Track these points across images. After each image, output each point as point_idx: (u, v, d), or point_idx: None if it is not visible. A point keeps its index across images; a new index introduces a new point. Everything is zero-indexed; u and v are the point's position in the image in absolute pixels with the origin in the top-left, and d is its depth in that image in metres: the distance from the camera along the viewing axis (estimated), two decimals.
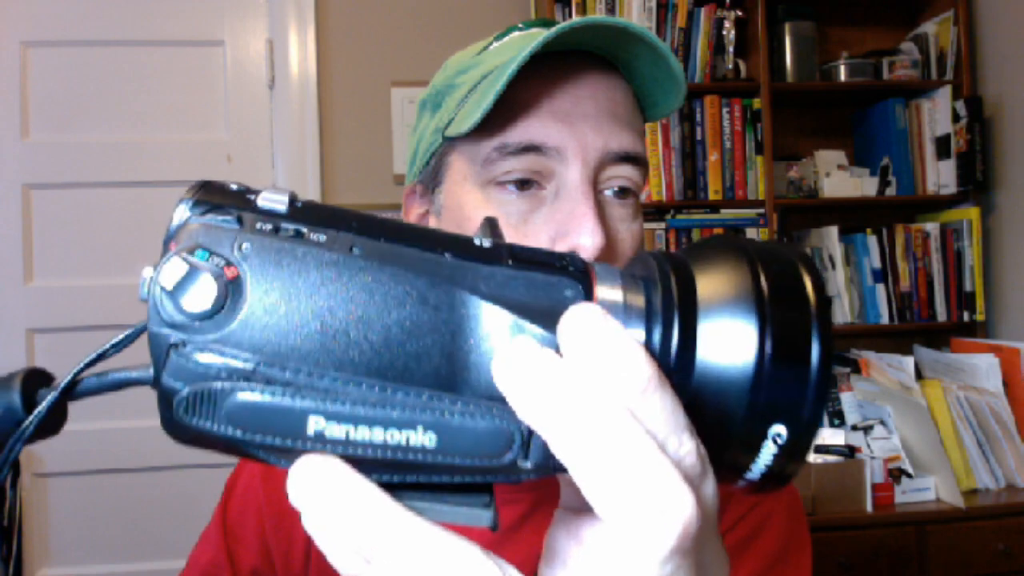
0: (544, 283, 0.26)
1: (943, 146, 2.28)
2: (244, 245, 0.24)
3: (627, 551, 0.24)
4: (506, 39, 0.64)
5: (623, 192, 0.61)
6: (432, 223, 0.65)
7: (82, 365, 0.26)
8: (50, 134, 2.14)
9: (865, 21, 2.44)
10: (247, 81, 2.21)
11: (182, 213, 0.25)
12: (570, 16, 2.14)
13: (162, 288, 0.23)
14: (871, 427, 2.01)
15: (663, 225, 2.16)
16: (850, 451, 1.88)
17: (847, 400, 2.14)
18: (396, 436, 0.24)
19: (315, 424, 0.24)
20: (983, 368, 2.07)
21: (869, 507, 1.86)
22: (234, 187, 0.26)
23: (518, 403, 0.24)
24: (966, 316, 2.27)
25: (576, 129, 0.58)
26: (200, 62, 2.20)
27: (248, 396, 0.23)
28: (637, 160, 0.61)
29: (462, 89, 0.62)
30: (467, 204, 0.61)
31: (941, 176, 2.29)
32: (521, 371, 0.24)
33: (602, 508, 0.24)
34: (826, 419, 2.15)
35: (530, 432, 0.25)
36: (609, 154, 0.59)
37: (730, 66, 2.21)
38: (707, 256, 0.27)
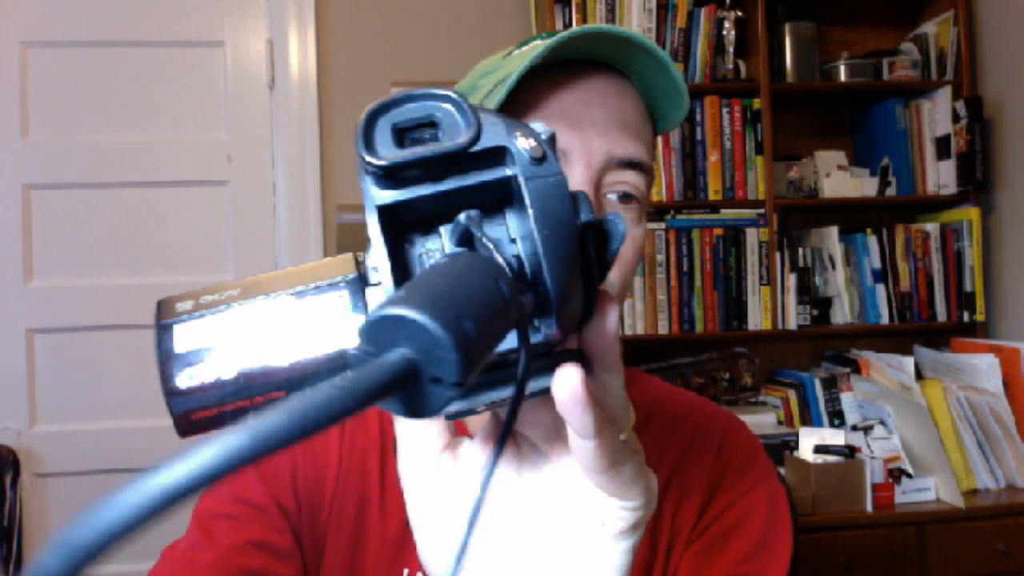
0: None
1: (943, 146, 2.28)
2: None
3: None
4: (527, 46, 0.67)
5: (626, 197, 0.63)
6: None
7: None
8: (50, 134, 2.14)
9: (865, 21, 2.44)
10: (247, 81, 2.21)
11: None
12: (569, 17, 2.15)
13: None
14: (871, 427, 2.01)
15: (663, 225, 2.15)
16: (850, 451, 1.88)
17: (847, 400, 2.14)
18: None
19: None
20: (983, 368, 2.07)
21: (869, 507, 1.86)
22: None
23: None
24: (966, 316, 2.26)
25: (582, 133, 0.61)
26: (200, 62, 2.20)
27: None
28: (641, 167, 0.63)
29: (483, 91, 0.65)
30: None
31: (941, 176, 2.29)
32: None
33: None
34: (826, 419, 2.15)
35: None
36: (613, 159, 0.62)
37: (730, 66, 2.21)
38: None
